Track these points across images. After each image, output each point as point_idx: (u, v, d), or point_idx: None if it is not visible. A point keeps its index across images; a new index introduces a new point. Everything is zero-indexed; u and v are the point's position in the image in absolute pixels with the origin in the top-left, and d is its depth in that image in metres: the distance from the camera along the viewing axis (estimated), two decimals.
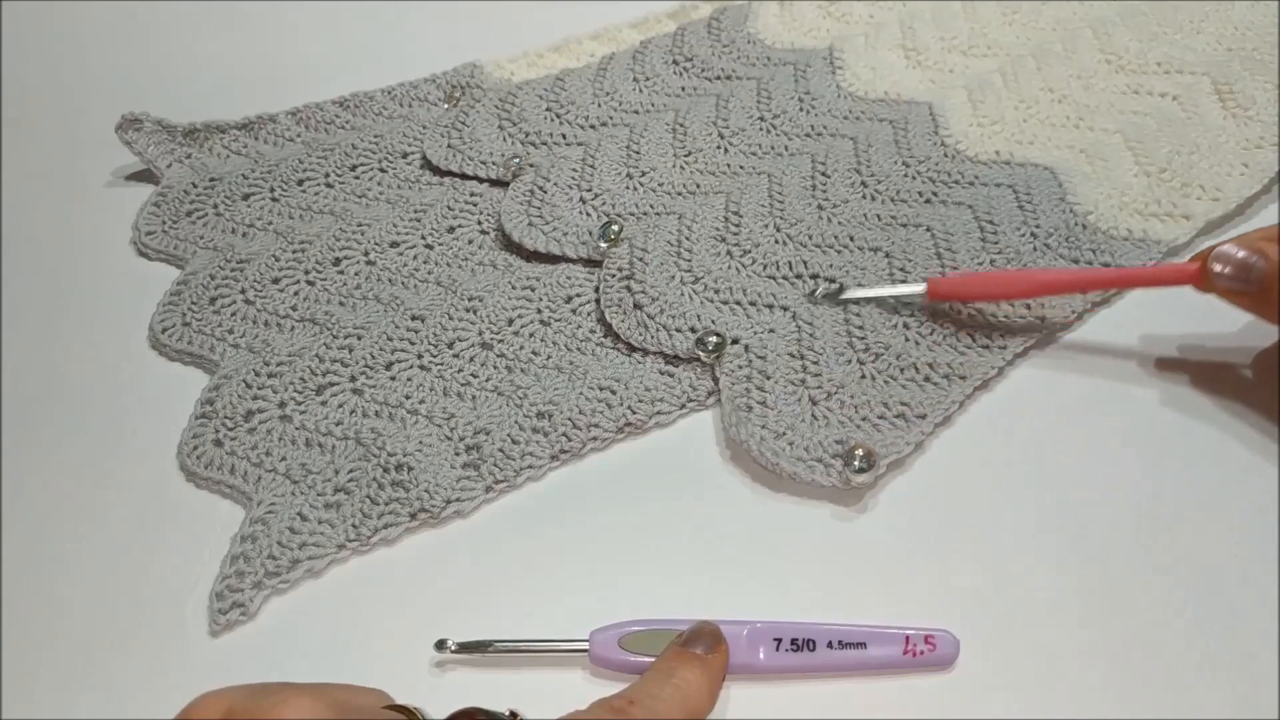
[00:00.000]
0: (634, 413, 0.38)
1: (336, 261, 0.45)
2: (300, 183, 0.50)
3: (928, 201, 0.46)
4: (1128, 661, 0.30)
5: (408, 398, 0.39)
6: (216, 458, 0.37)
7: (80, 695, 0.31)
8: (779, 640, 0.30)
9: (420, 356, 0.40)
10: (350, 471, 0.36)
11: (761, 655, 0.30)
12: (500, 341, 0.41)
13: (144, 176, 0.52)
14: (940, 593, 0.32)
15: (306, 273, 0.44)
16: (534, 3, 0.65)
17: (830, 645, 0.30)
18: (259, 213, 0.48)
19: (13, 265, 0.48)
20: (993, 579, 0.32)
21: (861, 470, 0.35)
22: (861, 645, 0.30)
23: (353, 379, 0.40)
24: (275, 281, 0.44)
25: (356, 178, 0.50)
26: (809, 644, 0.30)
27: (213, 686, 0.30)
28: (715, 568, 0.33)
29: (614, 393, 0.38)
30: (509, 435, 0.37)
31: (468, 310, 0.42)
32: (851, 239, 0.44)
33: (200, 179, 0.50)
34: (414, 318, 0.42)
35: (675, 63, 0.57)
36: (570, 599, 0.33)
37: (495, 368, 0.40)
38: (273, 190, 0.49)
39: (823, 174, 0.47)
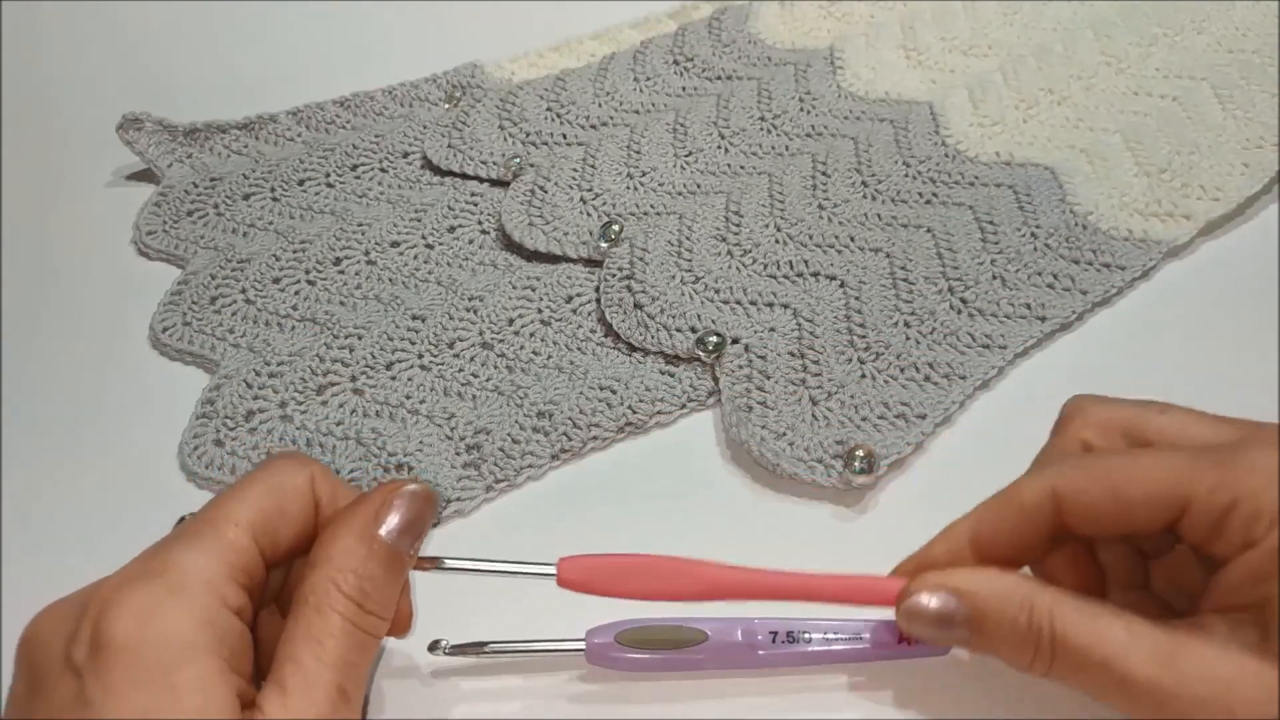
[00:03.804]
0: (634, 412, 0.38)
1: (337, 261, 0.45)
2: (301, 182, 0.50)
3: (928, 202, 0.46)
4: None
5: (408, 397, 0.39)
6: (217, 458, 0.37)
7: None
8: (774, 634, 0.30)
9: (421, 356, 0.40)
10: (351, 472, 0.36)
11: (758, 650, 0.30)
12: (501, 341, 0.41)
13: (145, 176, 0.52)
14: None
15: (307, 272, 0.44)
16: (534, 3, 0.65)
17: (825, 636, 0.30)
18: (259, 212, 0.48)
19: (13, 265, 0.48)
20: None
21: (862, 470, 0.35)
22: (856, 636, 0.30)
23: (353, 379, 0.40)
24: (276, 281, 0.44)
25: (357, 177, 0.50)
26: (804, 636, 0.30)
27: None
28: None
29: (614, 392, 0.38)
30: (509, 435, 0.37)
31: (468, 310, 0.42)
32: (852, 239, 0.44)
33: (201, 179, 0.50)
34: (414, 317, 0.42)
35: (676, 63, 0.57)
36: (570, 599, 0.33)
37: (496, 367, 0.40)
38: (273, 190, 0.49)
39: (823, 174, 0.47)
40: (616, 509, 0.36)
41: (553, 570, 0.28)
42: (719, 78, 0.56)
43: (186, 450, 0.38)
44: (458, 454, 0.37)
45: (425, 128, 0.52)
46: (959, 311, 0.41)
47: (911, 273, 0.42)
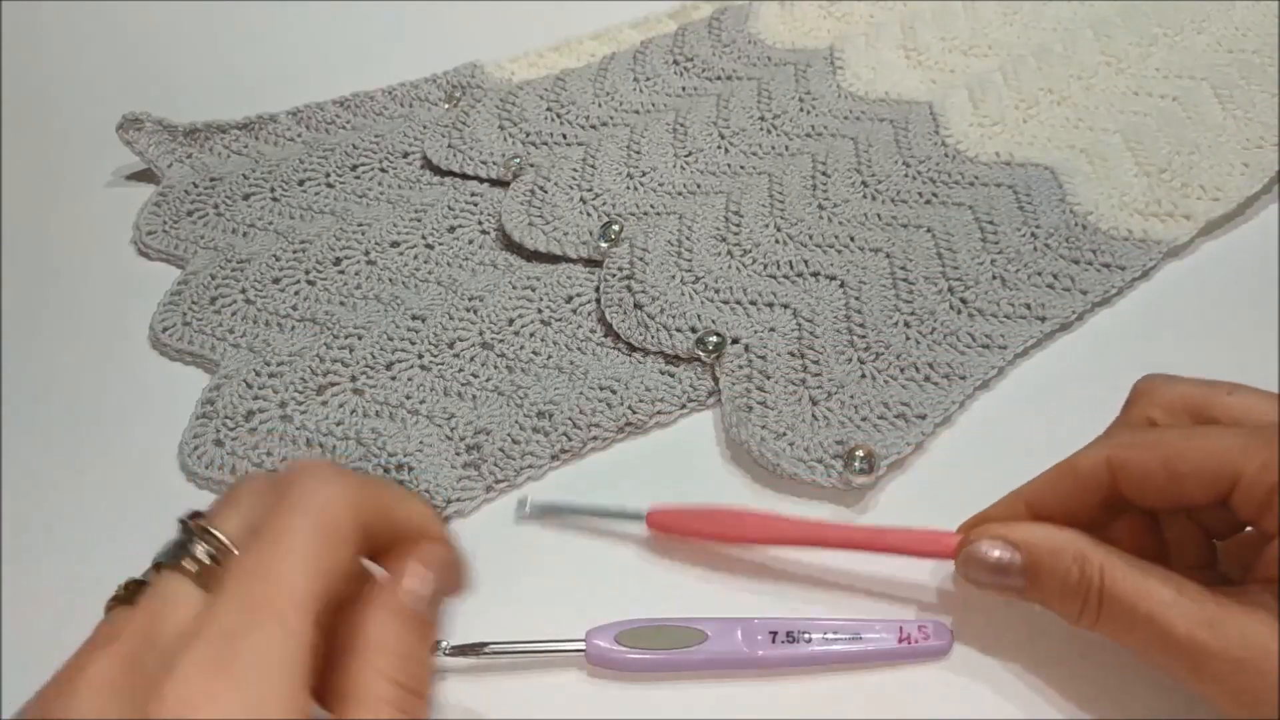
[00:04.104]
0: (634, 413, 0.38)
1: (337, 261, 0.45)
2: (301, 182, 0.50)
3: (928, 202, 0.46)
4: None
5: (408, 398, 0.39)
6: (217, 458, 0.37)
7: None
8: (774, 634, 0.30)
9: (421, 356, 0.40)
10: None
11: (756, 650, 0.30)
12: (501, 341, 0.41)
13: (145, 176, 0.52)
14: (941, 593, 0.32)
15: (307, 272, 0.44)
16: (534, 3, 0.65)
17: (825, 636, 0.30)
18: (259, 212, 0.48)
19: (13, 265, 0.48)
20: None
21: (862, 471, 0.35)
22: (856, 636, 0.30)
23: (353, 379, 0.40)
24: (276, 281, 0.44)
25: (357, 178, 0.50)
26: (804, 636, 0.30)
27: None
28: (715, 568, 0.33)
29: (614, 393, 0.38)
30: (509, 435, 0.37)
31: (468, 310, 0.42)
32: (852, 239, 0.44)
33: (201, 179, 0.50)
34: (414, 317, 0.42)
35: (676, 63, 0.57)
36: (570, 599, 0.33)
37: (496, 367, 0.40)
38: (273, 190, 0.49)
39: (823, 174, 0.47)
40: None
41: (642, 514, 0.33)
42: (719, 78, 0.56)
43: (186, 450, 0.38)
44: (458, 454, 0.37)
45: (425, 128, 0.52)
46: (959, 311, 0.41)
47: (911, 273, 0.42)
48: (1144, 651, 0.26)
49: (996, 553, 0.28)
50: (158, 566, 0.24)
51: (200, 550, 0.24)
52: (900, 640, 0.30)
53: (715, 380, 0.39)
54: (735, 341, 0.40)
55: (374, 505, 0.25)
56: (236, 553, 0.24)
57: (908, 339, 0.40)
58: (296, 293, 0.44)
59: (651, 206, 0.47)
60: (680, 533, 0.33)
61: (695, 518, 0.33)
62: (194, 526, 0.24)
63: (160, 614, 0.23)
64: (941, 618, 0.31)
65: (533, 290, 0.43)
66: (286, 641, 0.21)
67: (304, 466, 0.25)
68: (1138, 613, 0.26)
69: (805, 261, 0.43)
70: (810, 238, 0.44)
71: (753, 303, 0.42)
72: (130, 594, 0.24)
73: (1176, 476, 0.26)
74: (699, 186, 0.48)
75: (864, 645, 0.30)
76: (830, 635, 0.30)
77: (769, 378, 0.38)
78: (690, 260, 0.43)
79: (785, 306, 0.41)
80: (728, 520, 0.33)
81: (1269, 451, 0.25)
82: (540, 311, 0.42)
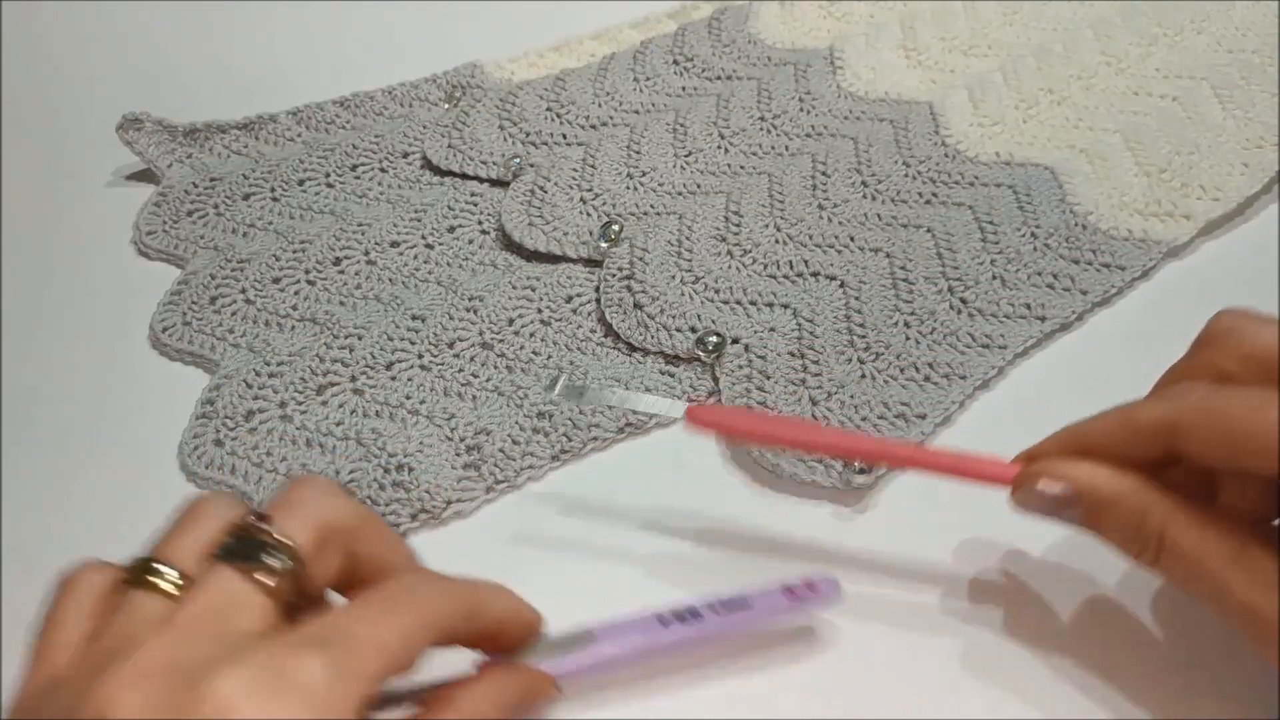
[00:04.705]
0: (634, 413, 0.38)
1: (337, 261, 0.45)
2: (301, 182, 0.50)
3: (928, 202, 0.46)
4: (1134, 658, 0.30)
5: (408, 398, 0.39)
6: (217, 457, 0.37)
7: None
8: (662, 619, 0.30)
9: (421, 356, 0.40)
10: (351, 472, 0.36)
11: (651, 636, 0.30)
12: (501, 341, 0.41)
13: (145, 176, 0.52)
14: (941, 592, 0.32)
15: (307, 272, 0.44)
16: (534, 3, 0.65)
17: (715, 609, 0.30)
18: (259, 212, 0.48)
19: (13, 265, 0.48)
20: (994, 577, 0.32)
21: (862, 470, 0.35)
22: (745, 604, 0.30)
23: (353, 379, 0.40)
24: (276, 281, 0.44)
25: (357, 178, 0.50)
26: (693, 613, 0.30)
27: None
28: (715, 568, 0.33)
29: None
30: (510, 435, 0.37)
31: (468, 310, 0.42)
32: (852, 239, 0.44)
33: (201, 179, 0.50)
34: (414, 317, 0.42)
35: (676, 63, 0.57)
36: (570, 599, 0.33)
37: (496, 368, 0.40)
38: (273, 190, 0.49)
39: (823, 174, 0.47)
40: (617, 509, 0.36)
41: (679, 413, 0.33)
42: (719, 78, 0.56)
43: (186, 450, 0.38)
44: (458, 454, 0.37)
45: (425, 128, 0.52)
46: (959, 311, 0.41)
47: (911, 273, 0.42)
48: (1202, 602, 0.26)
49: (1057, 489, 0.27)
50: (224, 559, 0.23)
51: (276, 562, 0.24)
52: (789, 599, 0.30)
53: (715, 380, 0.39)
54: (735, 341, 0.40)
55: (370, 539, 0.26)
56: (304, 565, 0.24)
57: (908, 339, 0.40)
58: (296, 293, 0.44)
59: (651, 206, 0.47)
60: (721, 430, 0.34)
61: (737, 416, 0.34)
62: (271, 540, 0.24)
63: (223, 614, 0.23)
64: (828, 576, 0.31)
65: (533, 290, 0.43)
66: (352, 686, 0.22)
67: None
68: (1196, 569, 0.25)
69: (805, 261, 0.43)
70: (810, 238, 0.44)
71: (753, 303, 0.42)
72: (138, 576, 0.24)
73: (1238, 452, 0.25)
74: (699, 186, 0.48)
75: (755, 611, 0.30)
76: (720, 607, 0.30)
77: (769, 378, 0.38)
78: (690, 260, 0.43)
79: (785, 306, 0.41)
80: (773, 423, 0.33)
81: None
82: (540, 311, 0.42)
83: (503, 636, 0.27)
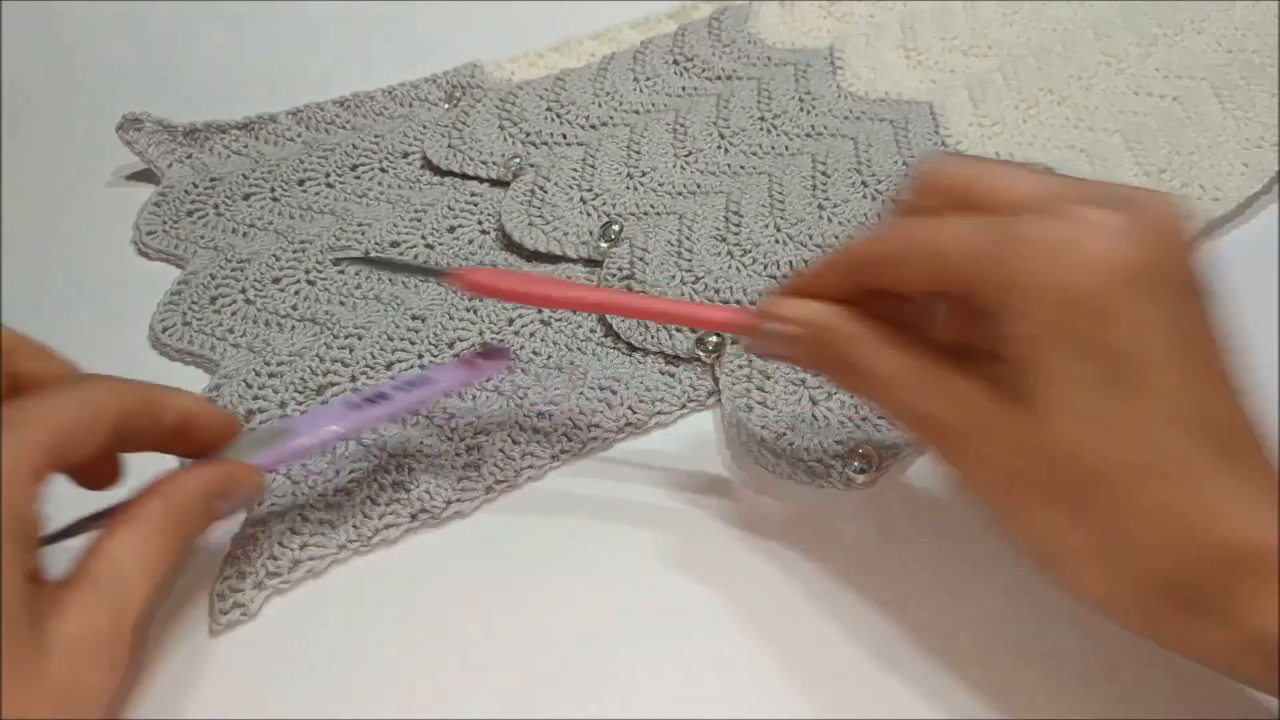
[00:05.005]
0: (634, 412, 0.38)
1: (337, 261, 0.45)
2: (301, 182, 0.50)
3: None
4: (1135, 658, 0.30)
5: None
6: None
7: None
8: (352, 404, 0.32)
9: (421, 356, 0.40)
10: (350, 472, 0.36)
11: (346, 422, 0.32)
12: (500, 341, 0.41)
13: (145, 176, 0.52)
14: (941, 592, 0.32)
15: (307, 272, 0.44)
16: (534, 3, 0.65)
17: (400, 388, 0.33)
18: (259, 212, 0.48)
19: (13, 265, 0.48)
20: (994, 577, 0.32)
21: (862, 470, 0.35)
22: (427, 380, 0.33)
23: (353, 379, 0.40)
24: (276, 281, 0.44)
25: (357, 178, 0.50)
26: (381, 395, 0.32)
27: (213, 686, 0.31)
28: (715, 567, 0.33)
29: (614, 393, 0.38)
30: (509, 435, 0.37)
31: (468, 310, 0.42)
32: (852, 239, 0.44)
33: (201, 179, 0.50)
34: (414, 317, 0.42)
35: (676, 62, 0.57)
36: (570, 599, 0.33)
37: None
38: (273, 190, 0.49)
39: (823, 174, 0.47)
40: (616, 509, 0.36)
41: (443, 270, 0.34)
42: (719, 78, 0.56)
43: None
44: (458, 455, 0.37)
45: (425, 128, 0.52)
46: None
47: None
48: (898, 422, 0.28)
49: (781, 328, 0.30)
50: None
51: None
52: (465, 366, 0.34)
53: (715, 380, 0.39)
54: (735, 341, 0.40)
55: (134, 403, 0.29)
56: None
57: None
58: (296, 293, 0.44)
59: (651, 206, 0.47)
60: (487, 292, 0.34)
61: (503, 277, 0.34)
62: None
63: None
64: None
65: None
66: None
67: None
68: (888, 386, 0.28)
69: (805, 262, 0.43)
70: (810, 238, 0.44)
71: (753, 303, 0.42)
72: None
73: (932, 274, 0.26)
74: (699, 186, 0.48)
75: (439, 385, 0.33)
76: (404, 385, 0.33)
77: (769, 378, 0.38)
78: (690, 260, 0.43)
79: None
80: (531, 282, 0.34)
81: (990, 248, 0.25)
82: (540, 311, 0.42)
83: (196, 437, 0.30)
